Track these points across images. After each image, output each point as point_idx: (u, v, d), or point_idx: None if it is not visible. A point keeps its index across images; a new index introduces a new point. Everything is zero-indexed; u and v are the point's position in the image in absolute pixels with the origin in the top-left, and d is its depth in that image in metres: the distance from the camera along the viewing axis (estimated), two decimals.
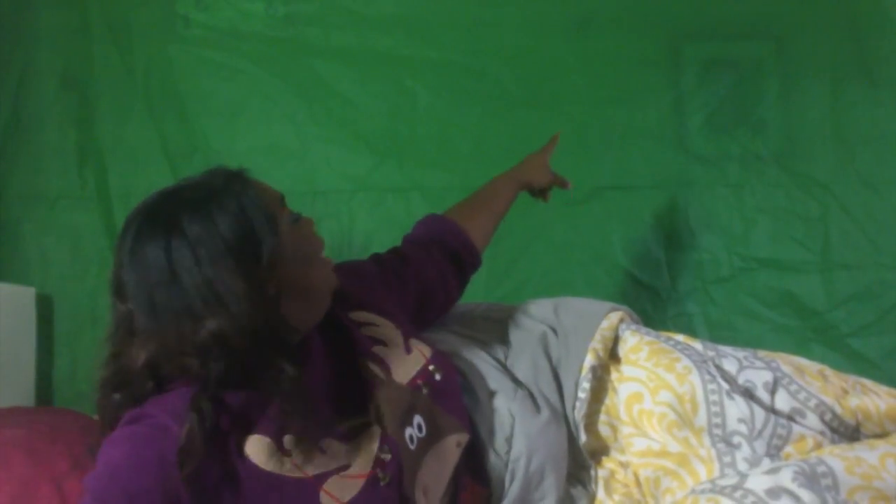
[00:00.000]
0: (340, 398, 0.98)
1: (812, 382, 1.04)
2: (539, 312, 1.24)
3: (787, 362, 1.08)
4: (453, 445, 1.01)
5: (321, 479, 0.89)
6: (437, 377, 1.04)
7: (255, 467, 0.88)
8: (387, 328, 1.08)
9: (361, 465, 0.92)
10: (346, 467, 0.91)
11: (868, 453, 0.92)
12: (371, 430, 0.95)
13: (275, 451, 0.89)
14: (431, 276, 1.24)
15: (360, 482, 0.91)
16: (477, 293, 1.75)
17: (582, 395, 1.09)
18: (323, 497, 0.88)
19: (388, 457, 0.93)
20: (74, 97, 1.81)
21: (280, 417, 0.91)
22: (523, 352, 1.17)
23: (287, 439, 0.90)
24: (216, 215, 0.91)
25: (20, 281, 1.72)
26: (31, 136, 1.80)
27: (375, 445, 0.94)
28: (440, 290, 1.25)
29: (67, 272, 1.78)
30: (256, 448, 0.89)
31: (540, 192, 1.51)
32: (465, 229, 1.30)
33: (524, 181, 1.45)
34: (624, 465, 1.08)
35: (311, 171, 1.76)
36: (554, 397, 1.11)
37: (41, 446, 1.18)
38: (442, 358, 1.08)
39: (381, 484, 0.91)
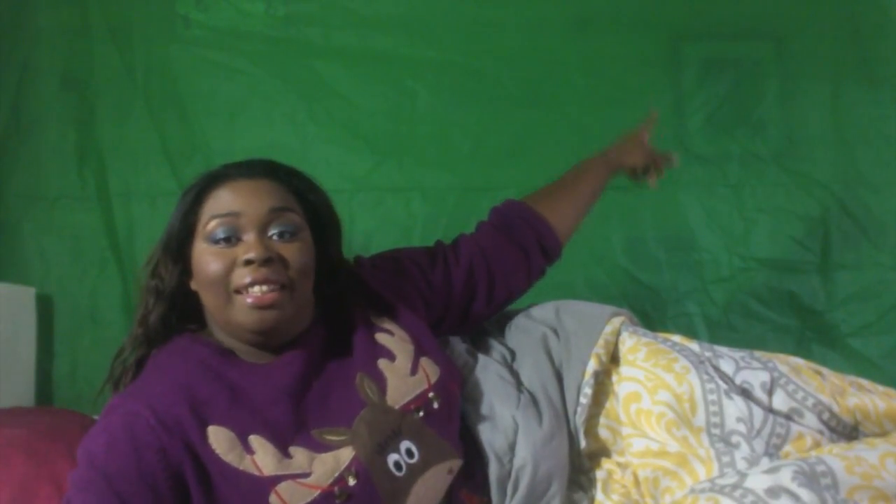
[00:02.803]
0: (326, 405, 0.97)
1: (809, 382, 1.04)
2: (540, 315, 1.23)
3: (783, 362, 1.08)
4: (445, 472, 0.99)
5: (276, 480, 0.89)
6: (435, 405, 1.01)
7: (215, 456, 0.90)
8: (400, 342, 1.05)
9: (321, 478, 0.91)
10: (306, 475, 0.90)
11: (868, 453, 0.92)
12: (345, 448, 0.94)
13: (237, 445, 0.91)
14: (489, 273, 1.19)
15: (315, 493, 0.90)
16: None
17: (584, 400, 1.09)
18: (273, 499, 0.88)
19: (353, 481, 0.91)
20: (74, 97, 1.80)
21: (249, 416, 0.93)
22: (526, 354, 1.16)
23: (252, 439, 0.91)
24: (181, 195, 1.02)
25: (20, 281, 1.72)
26: (31, 136, 1.79)
27: (344, 464, 0.92)
28: (498, 286, 1.20)
29: (67, 272, 1.77)
30: (219, 438, 0.91)
31: (643, 174, 1.38)
32: (542, 215, 1.23)
33: (615, 161, 1.35)
34: (622, 466, 1.08)
35: (311, 171, 1.73)
36: (557, 399, 1.10)
37: (41, 446, 1.18)
38: (447, 383, 1.04)
39: (336, 501, 0.90)
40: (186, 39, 1.82)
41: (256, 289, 0.95)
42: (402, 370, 1.02)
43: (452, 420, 1.04)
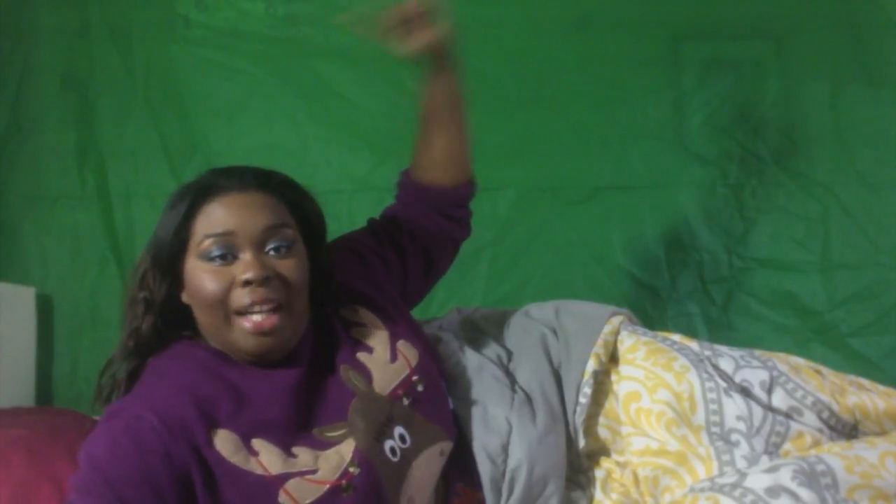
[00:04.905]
0: (322, 404, 0.98)
1: (809, 380, 1.04)
2: (540, 315, 1.23)
3: (783, 361, 1.08)
4: (437, 454, 1.01)
5: (283, 478, 0.90)
6: (420, 388, 1.03)
7: (220, 458, 0.90)
8: (375, 331, 1.06)
9: (328, 472, 0.92)
10: (312, 472, 0.91)
11: (867, 452, 0.92)
12: (347, 441, 0.95)
13: (241, 448, 0.91)
14: (428, 234, 1.20)
15: (323, 488, 0.90)
16: (477, 294, 1.76)
17: (583, 400, 1.09)
18: (282, 496, 0.89)
19: (357, 471, 0.92)
20: (74, 97, 1.81)
21: (252, 418, 0.93)
22: (524, 355, 1.16)
23: (255, 442, 0.92)
24: (168, 205, 1.02)
25: (20, 281, 1.72)
26: (31, 136, 1.79)
27: (348, 457, 0.93)
28: (443, 242, 1.22)
29: (67, 272, 1.78)
30: (224, 441, 0.91)
31: (428, 44, 1.14)
32: (443, 183, 1.19)
33: (428, 69, 1.19)
34: (621, 465, 1.08)
35: (311, 171, 1.75)
36: (555, 400, 1.10)
37: (41, 446, 1.18)
38: (427, 365, 1.06)
39: (344, 495, 0.91)
40: (186, 39, 1.82)
41: (256, 315, 0.94)
42: (381, 359, 1.03)
43: (440, 402, 1.06)
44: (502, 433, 1.04)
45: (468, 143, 1.23)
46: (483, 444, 1.04)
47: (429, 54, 1.16)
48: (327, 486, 0.91)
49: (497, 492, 1.02)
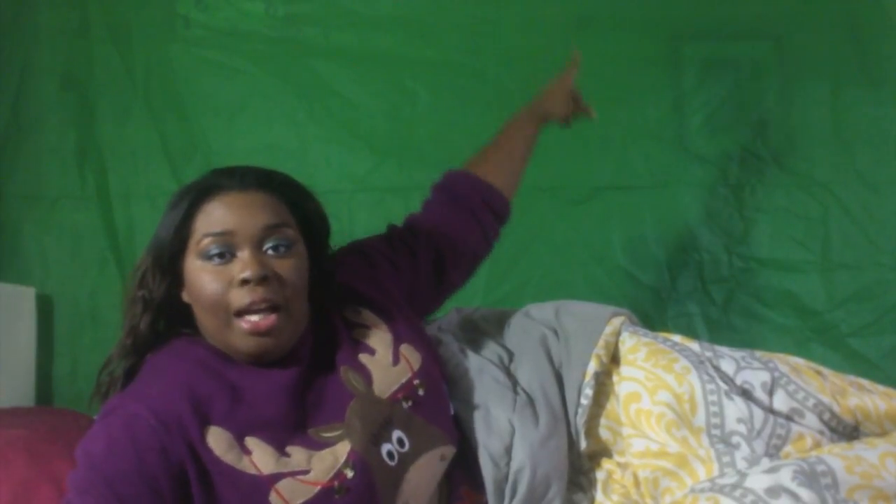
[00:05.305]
0: (319, 404, 0.98)
1: (810, 382, 1.04)
2: (540, 315, 1.23)
3: (784, 362, 1.08)
4: (437, 459, 1.00)
5: (275, 478, 0.90)
6: (421, 392, 1.02)
7: (213, 455, 0.90)
8: (378, 333, 1.06)
9: (321, 474, 0.91)
10: (305, 472, 0.91)
11: (868, 452, 0.92)
12: (342, 442, 0.94)
13: (234, 446, 0.91)
14: (448, 240, 1.21)
15: (315, 489, 0.90)
16: (477, 293, 1.76)
17: (584, 401, 1.08)
18: (273, 496, 0.89)
19: (350, 473, 0.92)
20: (74, 97, 1.81)
21: (248, 416, 0.93)
22: (525, 355, 1.16)
23: (249, 440, 0.92)
24: (169, 205, 1.01)
25: (20, 281, 1.72)
26: (31, 136, 1.80)
27: (342, 459, 0.93)
28: (462, 251, 1.23)
29: (67, 272, 1.78)
30: (217, 439, 0.91)
31: (564, 121, 1.44)
32: (487, 180, 1.26)
33: (542, 114, 1.39)
34: (622, 466, 1.08)
35: (311, 171, 1.75)
36: (556, 401, 1.10)
37: (41, 446, 1.18)
38: (430, 369, 1.06)
39: (336, 496, 0.90)
40: (186, 39, 1.82)
41: (254, 315, 0.94)
42: (383, 362, 1.03)
43: (441, 406, 1.05)
44: (505, 436, 1.04)
45: (519, 178, 1.33)
46: (486, 446, 1.04)
47: (554, 113, 1.40)
48: (319, 487, 0.90)
49: (500, 494, 1.01)
